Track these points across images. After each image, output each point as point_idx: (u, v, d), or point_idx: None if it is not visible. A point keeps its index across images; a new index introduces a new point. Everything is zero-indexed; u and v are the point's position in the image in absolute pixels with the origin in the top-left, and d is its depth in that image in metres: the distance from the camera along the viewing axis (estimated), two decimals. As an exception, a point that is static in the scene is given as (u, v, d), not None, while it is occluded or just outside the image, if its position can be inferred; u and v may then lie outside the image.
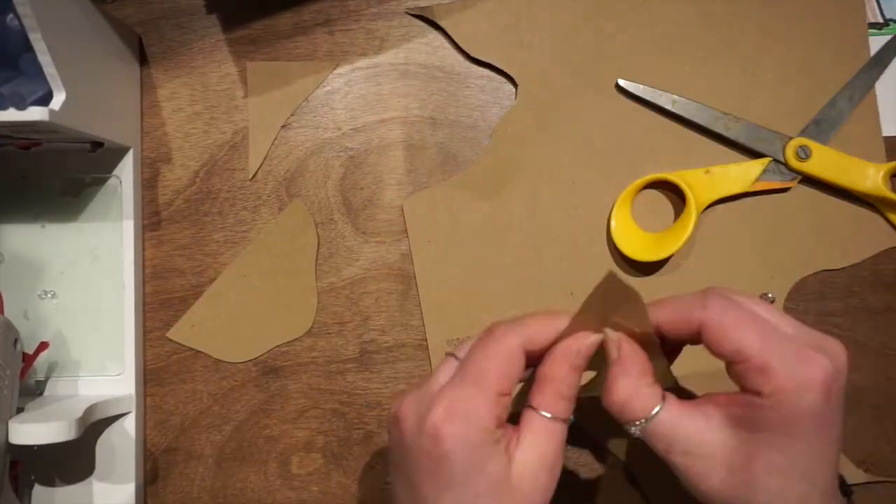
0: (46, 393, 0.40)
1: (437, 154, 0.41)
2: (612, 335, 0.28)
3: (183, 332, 0.41)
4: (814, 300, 0.40)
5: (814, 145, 0.39)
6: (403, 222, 0.41)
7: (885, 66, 0.40)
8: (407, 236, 0.41)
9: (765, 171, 0.39)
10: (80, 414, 0.35)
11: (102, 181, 0.41)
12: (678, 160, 0.40)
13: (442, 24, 0.41)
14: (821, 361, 0.25)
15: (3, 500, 0.35)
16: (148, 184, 0.42)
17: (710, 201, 0.39)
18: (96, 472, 0.40)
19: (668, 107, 0.40)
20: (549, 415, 0.27)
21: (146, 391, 0.41)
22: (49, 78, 0.32)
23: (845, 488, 0.30)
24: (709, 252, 0.40)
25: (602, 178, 0.40)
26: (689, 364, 0.32)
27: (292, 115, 0.42)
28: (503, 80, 0.42)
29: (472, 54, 0.41)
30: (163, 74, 0.42)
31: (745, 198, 0.40)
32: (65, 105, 0.32)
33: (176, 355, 0.41)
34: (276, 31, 0.42)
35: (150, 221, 0.42)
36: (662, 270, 0.40)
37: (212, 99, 0.42)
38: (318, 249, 0.41)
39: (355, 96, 0.42)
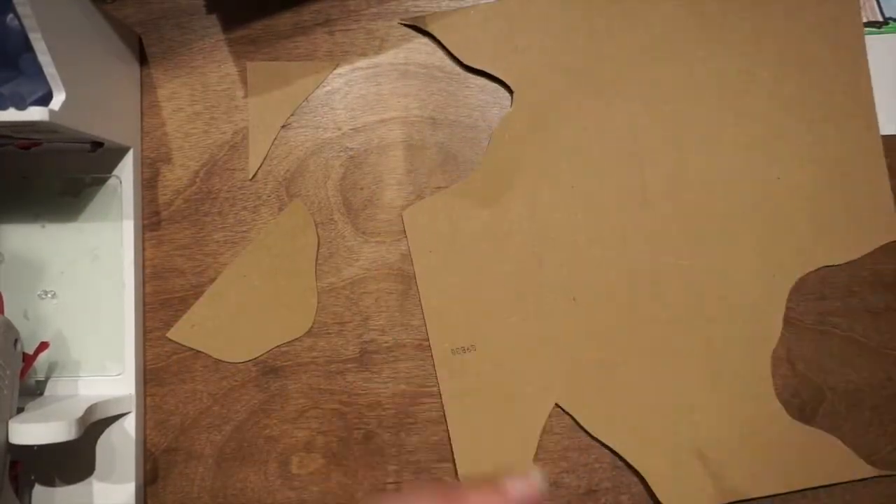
0: (46, 393, 0.40)
1: (437, 154, 0.41)
2: None
3: (183, 332, 0.41)
4: (814, 300, 0.40)
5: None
6: (403, 222, 0.41)
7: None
8: (406, 237, 0.41)
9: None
10: (80, 414, 0.35)
11: (102, 181, 0.41)
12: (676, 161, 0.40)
13: (434, 32, 0.41)
14: None
15: (3, 500, 0.35)
16: (148, 184, 0.42)
17: None
18: (96, 472, 0.40)
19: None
20: None
21: (146, 391, 0.41)
22: (49, 78, 0.32)
23: None
24: (710, 253, 0.40)
25: (600, 182, 0.40)
26: None
27: (292, 115, 0.42)
28: (499, 83, 0.41)
29: (466, 62, 0.41)
30: (163, 74, 0.42)
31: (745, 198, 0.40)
32: (65, 105, 0.32)
33: (176, 355, 0.41)
34: (276, 31, 0.42)
35: (150, 221, 0.42)
36: (664, 272, 0.40)
37: (212, 99, 0.42)
38: (318, 249, 0.41)
39: (355, 96, 0.42)
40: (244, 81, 0.42)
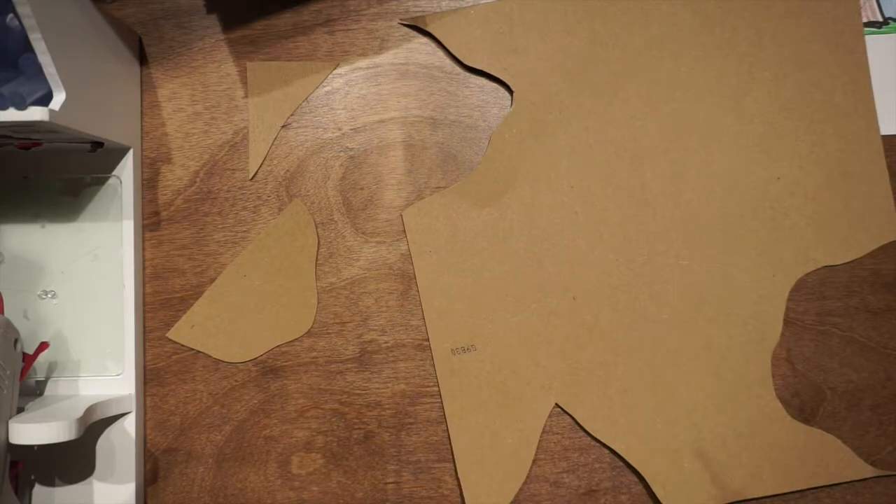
0: (47, 393, 0.40)
1: (437, 154, 0.41)
2: None
3: (183, 332, 0.41)
4: (814, 300, 0.40)
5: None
6: (403, 222, 0.41)
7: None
8: (406, 237, 0.41)
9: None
10: (80, 414, 0.35)
11: (102, 181, 0.41)
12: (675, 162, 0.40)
13: (434, 32, 0.41)
14: None
15: (3, 501, 0.35)
16: (148, 184, 0.42)
17: None
18: (96, 472, 0.40)
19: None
20: None
21: (146, 391, 0.41)
22: (49, 78, 0.32)
23: None
24: (710, 253, 0.40)
25: (600, 182, 0.40)
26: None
27: (292, 115, 0.42)
28: (498, 83, 0.42)
29: (466, 62, 0.41)
30: (163, 74, 0.42)
31: (744, 197, 0.40)
32: (65, 105, 0.32)
33: (176, 355, 0.41)
34: (276, 31, 0.42)
35: (150, 221, 0.42)
36: (664, 272, 0.40)
37: (212, 99, 0.42)
38: (318, 249, 0.41)
39: (355, 96, 0.42)
40: (244, 81, 0.42)
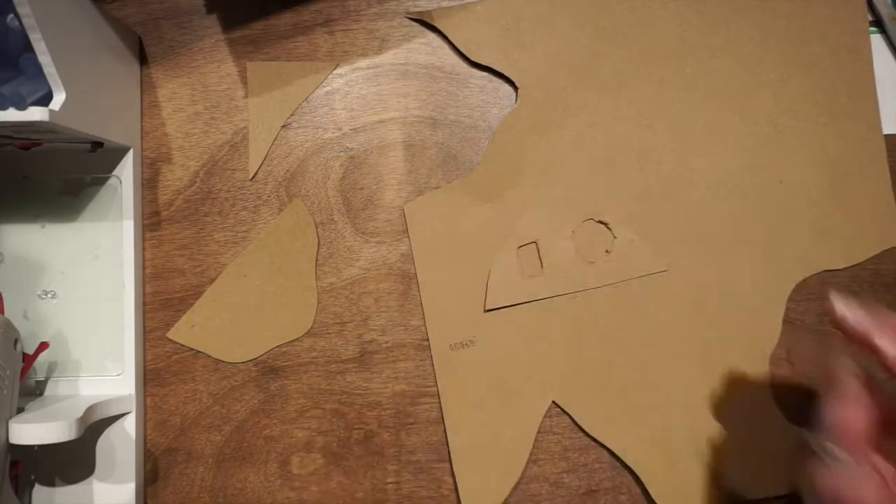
0: (46, 393, 0.40)
1: (437, 154, 0.41)
2: None
3: (183, 332, 0.41)
4: (814, 300, 0.40)
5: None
6: (403, 222, 0.41)
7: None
8: (407, 236, 0.41)
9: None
10: (80, 414, 0.35)
11: (102, 181, 0.41)
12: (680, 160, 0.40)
13: (441, 27, 0.41)
14: None
15: (3, 501, 0.35)
16: (148, 184, 0.42)
17: None
18: (96, 472, 0.40)
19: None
20: None
21: (146, 391, 0.41)
22: (49, 78, 0.32)
23: None
24: (711, 254, 0.40)
25: (603, 180, 0.40)
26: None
27: (292, 115, 0.42)
28: (502, 80, 0.42)
29: (473, 58, 0.41)
30: (163, 74, 0.42)
31: (744, 198, 0.40)
32: (65, 105, 0.32)
33: (176, 355, 0.41)
34: (276, 31, 0.42)
35: (150, 221, 0.42)
36: (666, 273, 0.40)
37: (212, 99, 0.42)
38: (318, 249, 0.41)
39: (355, 96, 0.42)
40: (244, 81, 0.42)
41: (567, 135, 0.41)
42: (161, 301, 0.42)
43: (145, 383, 0.41)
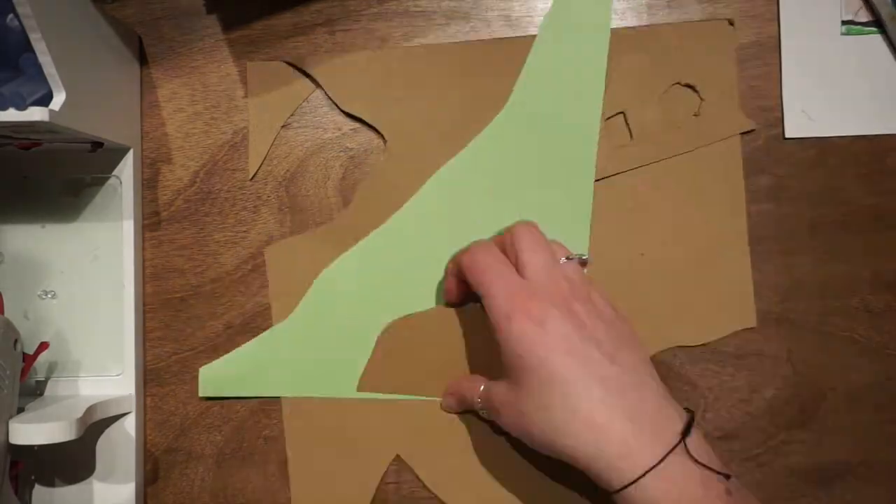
0: (46, 393, 0.40)
1: (437, 154, 0.41)
2: None
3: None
4: (814, 300, 0.40)
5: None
6: (265, 260, 0.41)
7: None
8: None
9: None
10: (80, 414, 0.35)
11: (102, 181, 0.41)
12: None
13: (314, 75, 0.41)
14: (530, 316, 0.32)
15: (3, 500, 0.35)
16: (148, 184, 0.42)
17: None
18: (96, 472, 0.40)
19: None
20: None
21: (146, 391, 0.41)
22: (49, 78, 0.32)
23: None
24: None
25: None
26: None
27: (292, 115, 0.42)
28: (373, 132, 0.41)
29: (343, 108, 0.41)
30: (163, 74, 0.42)
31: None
32: (65, 105, 0.32)
33: (176, 355, 0.41)
34: (276, 31, 0.42)
35: (150, 221, 0.42)
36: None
37: (212, 99, 0.42)
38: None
39: (355, 96, 0.42)
40: (244, 81, 0.42)
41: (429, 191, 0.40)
42: (161, 301, 0.42)
43: (145, 383, 0.41)
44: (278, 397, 0.40)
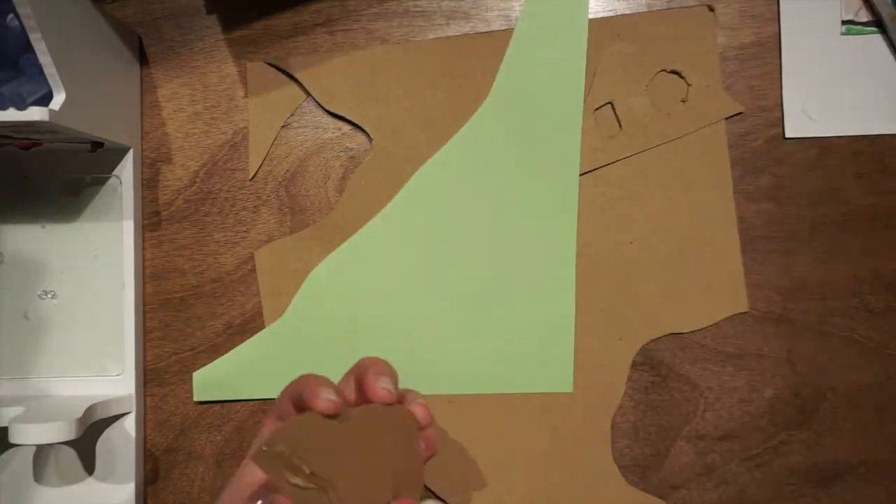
0: (47, 393, 0.40)
1: (437, 154, 0.41)
2: None
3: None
4: (814, 300, 0.40)
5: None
6: (255, 263, 0.41)
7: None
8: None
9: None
10: (80, 414, 0.35)
11: (102, 181, 0.41)
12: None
13: (298, 76, 0.41)
14: None
15: (3, 500, 0.35)
16: (148, 184, 0.42)
17: None
18: (96, 472, 0.40)
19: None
20: None
21: (146, 391, 0.41)
22: (49, 78, 0.32)
23: None
24: None
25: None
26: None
27: (292, 115, 0.42)
28: (358, 130, 0.41)
29: (327, 108, 0.41)
30: (163, 74, 0.42)
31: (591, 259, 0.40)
32: (65, 105, 0.32)
33: (176, 355, 0.41)
34: (276, 31, 0.42)
35: (150, 221, 0.42)
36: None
37: (212, 99, 0.42)
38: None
39: (355, 96, 0.42)
40: (244, 81, 0.42)
41: (416, 188, 0.40)
42: (161, 301, 0.42)
43: (145, 383, 0.41)
44: (275, 398, 0.40)
